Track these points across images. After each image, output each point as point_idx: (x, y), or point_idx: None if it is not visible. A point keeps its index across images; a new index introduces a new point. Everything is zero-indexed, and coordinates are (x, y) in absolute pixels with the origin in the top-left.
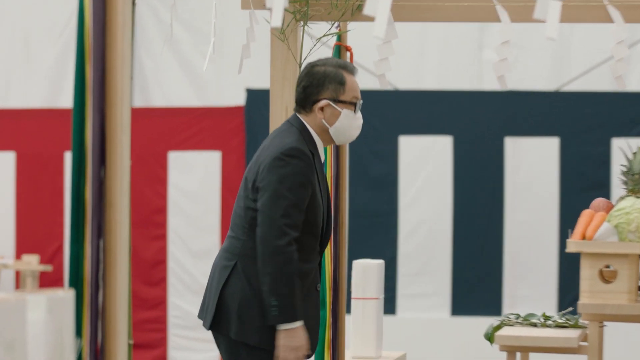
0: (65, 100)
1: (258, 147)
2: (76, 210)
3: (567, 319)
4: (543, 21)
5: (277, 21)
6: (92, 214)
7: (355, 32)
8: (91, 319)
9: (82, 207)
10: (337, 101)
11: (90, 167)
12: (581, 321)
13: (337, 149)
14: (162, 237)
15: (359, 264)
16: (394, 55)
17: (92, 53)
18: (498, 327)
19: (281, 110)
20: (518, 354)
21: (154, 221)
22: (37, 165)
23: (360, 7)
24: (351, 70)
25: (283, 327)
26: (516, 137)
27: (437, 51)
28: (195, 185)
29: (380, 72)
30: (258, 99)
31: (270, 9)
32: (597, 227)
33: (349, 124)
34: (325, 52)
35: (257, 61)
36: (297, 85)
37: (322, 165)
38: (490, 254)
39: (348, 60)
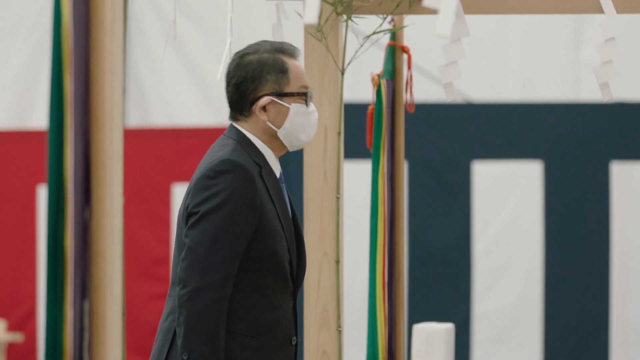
0: (37, 119)
1: (289, 177)
2: (53, 261)
3: None
4: None
5: (312, 15)
6: (74, 267)
7: (414, 29)
8: None
9: (61, 257)
10: (281, 95)
11: (71, 205)
12: None
13: (392, 180)
14: (164, 295)
15: (421, 330)
16: (464, 59)
17: (72, 59)
18: None
19: (319, 129)
20: None
21: (155, 274)
22: (1, 203)
23: None
24: (292, 52)
25: None
26: (626, 162)
27: (520, 52)
28: None
29: (447, 80)
30: None
31: (303, 0)
32: None
33: (301, 122)
34: (375, 53)
35: None
36: (227, 84)
37: (279, 181)
38: (593, 314)
39: (405, 63)
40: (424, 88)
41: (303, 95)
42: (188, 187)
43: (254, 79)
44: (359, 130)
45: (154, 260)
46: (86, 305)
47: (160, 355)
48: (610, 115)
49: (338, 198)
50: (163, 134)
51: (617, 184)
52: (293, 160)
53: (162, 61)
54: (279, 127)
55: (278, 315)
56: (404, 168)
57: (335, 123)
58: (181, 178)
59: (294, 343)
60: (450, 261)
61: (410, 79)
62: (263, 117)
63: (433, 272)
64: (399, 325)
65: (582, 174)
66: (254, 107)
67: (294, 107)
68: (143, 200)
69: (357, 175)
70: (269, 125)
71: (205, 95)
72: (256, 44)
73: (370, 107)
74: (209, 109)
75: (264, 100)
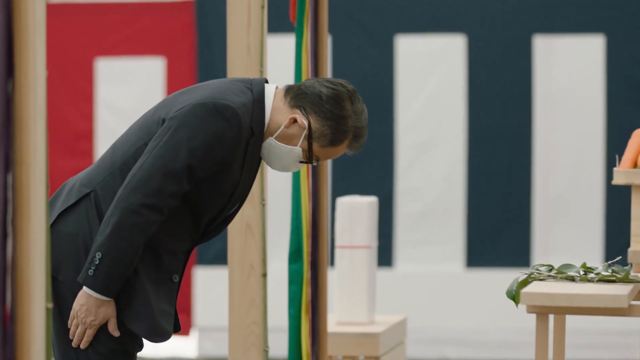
0: None
1: (212, 52)
2: None
3: (615, 271)
4: None
5: None
6: None
7: None
8: None
9: None
10: (309, 138)
11: None
12: (633, 274)
13: (316, 49)
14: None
15: (344, 203)
16: None
17: None
18: (525, 283)
19: (242, 4)
20: (551, 317)
21: (78, 149)
22: None
23: None
24: (355, 146)
25: (89, 291)
26: (548, 35)
27: None
28: (132, 102)
29: None
30: None
31: None
32: None
33: (284, 158)
34: None
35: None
36: (320, 83)
37: (259, 155)
38: (515, 188)
39: None
40: None
41: (310, 158)
42: (178, 96)
43: (323, 111)
44: (283, 4)
45: (77, 135)
46: (9, 178)
47: (58, 212)
48: None
49: (261, 71)
50: (85, 8)
51: (539, 58)
52: (217, 34)
53: None
54: (276, 138)
55: (174, 247)
56: (327, 42)
57: None
58: (104, 52)
59: (174, 280)
60: (374, 136)
61: None
62: (287, 121)
63: None
64: (323, 199)
65: (506, 48)
66: (295, 110)
67: (298, 150)
68: (66, 75)
69: (281, 50)
70: (278, 127)
71: None
72: (363, 111)
73: None
74: None
75: (303, 121)
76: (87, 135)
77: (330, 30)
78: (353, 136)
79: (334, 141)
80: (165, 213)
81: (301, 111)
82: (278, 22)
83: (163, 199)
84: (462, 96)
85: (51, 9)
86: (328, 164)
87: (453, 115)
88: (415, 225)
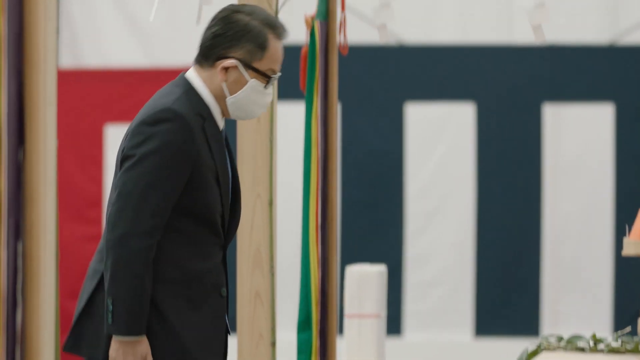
0: None
1: None
2: None
3: (625, 342)
4: None
5: None
6: (7, 209)
7: None
8: (7, 344)
9: None
10: (248, 66)
11: (4, 147)
12: None
13: (325, 121)
14: (97, 237)
15: (353, 272)
16: (398, 1)
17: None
18: (535, 353)
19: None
20: None
21: (88, 216)
22: None
23: None
24: (281, 33)
25: (117, 337)
26: (558, 104)
27: None
28: None
29: (381, 22)
30: None
31: None
32: None
33: (253, 99)
34: None
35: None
36: (207, 28)
37: (222, 135)
38: (525, 257)
39: (339, 5)
40: (358, 30)
41: (267, 78)
42: (127, 131)
43: (232, 38)
44: (293, 72)
45: (88, 202)
46: (20, 247)
47: (88, 296)
48: (543, 58)
49: (271, 140)
50: (96, 75)
51: (549, 126)
52: None
53: (95, 1)
54: (230, 94)
55: (207, 265)
56: (337, 110)
57: None
58: (114, 119)
59: (224, 295)
60: (383, 204)
61: (343, 21)
62: (222, 76)
63: (366, 214)
64: (332, 267)
65: (515, 116)
66: (218, 62)
67: (253, 83)
68: (76, 142)
69: (291, 117)
70: (222, 87)
71: (138, 37)
72: (253, 7)
73: (303, 49)
74: (142, 50)
75: (230, 62)
76: (97, 202)
77: (340, 98)
78: (269, 28)
79: (262, 46)
80: (155, 234)
81: (219, 57)
82: (288, 89)
83: (144, 222)
84: (471, 163)
85: (61, 75)
86: (338, 232)
87: (462, 182)
88: (424, 294)
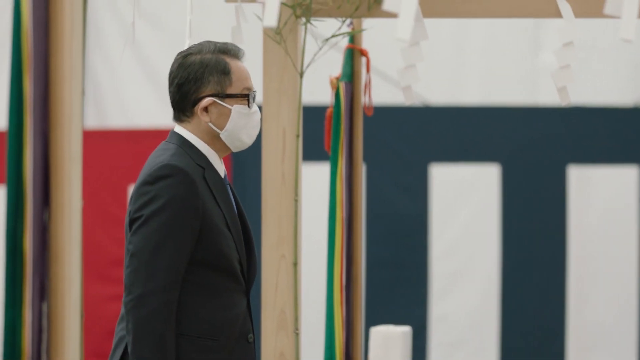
0: None
1: (245, 179)
2: (12, 263)
3: None
4: (617, 17)
5: (271, 18)
6: (32, 269)
7: (373, 32)
8: None
9: (20, 259)
10: (223, 96)
11: (30, 207)
12: None
13: (350, 182)
14: (121, 296)
15: (378, 333)
16: (423, 62)
17: (32, 60)
18: None
19: (277, 132)
20: None
21: (112, 276)
22: None
23: (378, 0)
24: (235, 53)
25: None
26: (583, 166)
27: (479, 56)
28: None
29: (406, 83)
30: None
31: (262, 3)
32: None
33: (243, 123)
34: (334, 56)
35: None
36: (170, 84)
37: (225, 182)
38: (550, 316)
39: (364, 66)
40: (383, 91)
41: (245, 97)
42: (131, 194)
43: (196, 79)
44: (318, 133)
45: (112, 261)
46: (45, 307)
47: None
48: (568, 119)
49: (296, 201)
50: (120, 136)
51: (574, 188)
52: (251, 163)
53: (120, 63)
54: (221, 129)
55: (232, 314)
56: (362, 171)
57: (294, 126)
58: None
59: (250, 341)
60: (407, 264)
61: (368, 82)
62: (205, 118)
63: (391, 275)
64: (357, 328)
65: (540, 178)
66: (195, 108)
67: (236, 109)
68: (100, 202)
69: (316, 178)
70: (211, 127)
71: (162, 97)
72: (199, 44)
73: (328, 110)
74: (166, 110)
75: (206, 101)
76: (120, 262)
77: (365, 159)
78: (223, 54)
79: (225, 72)
80: (173, 290)
81: (195, 103)
82: (313, 150)
83: (160, 279)
84: (496, 225)
85: (86, 135)
86: (362, 293)
87: (487, 243)
88: (449, 355)
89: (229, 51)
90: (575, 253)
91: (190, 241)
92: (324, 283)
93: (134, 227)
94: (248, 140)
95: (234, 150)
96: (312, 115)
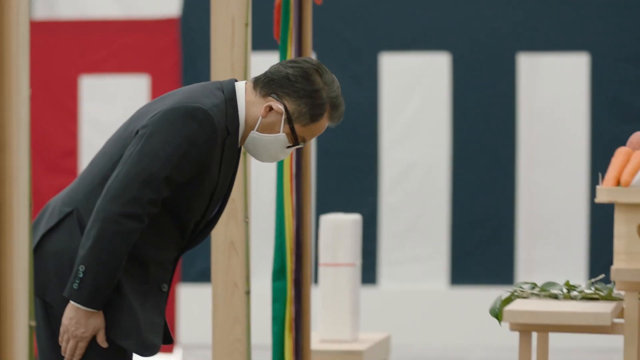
0: None
1: (196, 69)
2: None
3: (598, 289)
4: None
5: None
6: None
7: None
8: None
9: None
10: (290, 121)
11: None
12: (616, 292)
13: None
14: None
15: (328, 221)
16: None
17: None
18: (508, 300)
19: (226, 22)
20: (534, 335)
21: (63, 167)
22: None
23: None
24: (335, 116)
25: (76, 304)
26: (533, 53)
27: None
28: (116, 119)
29: None
30: (197, 8)
31: None
32: (637, 170)
33: (270, 147)
34: None
35: None
36: (284, 66)
37: (237, 155)
38: (499, 206)
39: None
40: None
41: (296, 141)
42: (153, 104)
43: (296, 90)
44: (266, 21)
45: (61, 152)
46: None
47: (42, 233)
48: (518, 7)
49: None
50: (70, 26)
51: (523, 76)
52: (200, 51)
53: None
54: (258, 130)
55: (156, 258)
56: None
57: (243, 14)
58: (88, 70)
59: (163, 289)
60: (358, 153)
61: None
62: (263, 112)
63: (341, 165)
64: (307, 216)
65: (490, 66)
66: (269, 98)
67: (282, 136)
68: (50, 93)
69: (265, 67)
70: (256, 119)
71: None
72: (334, 81)
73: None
74: (117, 1)
75: (278, 106)
76: (71, 153)
77: (314, 48)
78: (331, 107)
79: (313, 117)
80: (145, 221)
81: (274, 97)
82: (262, 39)
83: (142, 207)
84: (446, 113)
85: (35, 26)
86: (312, 182)
87: (437, 132)
88: (399, 243)
89: (335, 112)
90: (524, 140)
91: (176, 183)
92: (274, 172)
93: (141, 136)
94: (258, 156)
95: (243, 146)
96: (261, 5)
